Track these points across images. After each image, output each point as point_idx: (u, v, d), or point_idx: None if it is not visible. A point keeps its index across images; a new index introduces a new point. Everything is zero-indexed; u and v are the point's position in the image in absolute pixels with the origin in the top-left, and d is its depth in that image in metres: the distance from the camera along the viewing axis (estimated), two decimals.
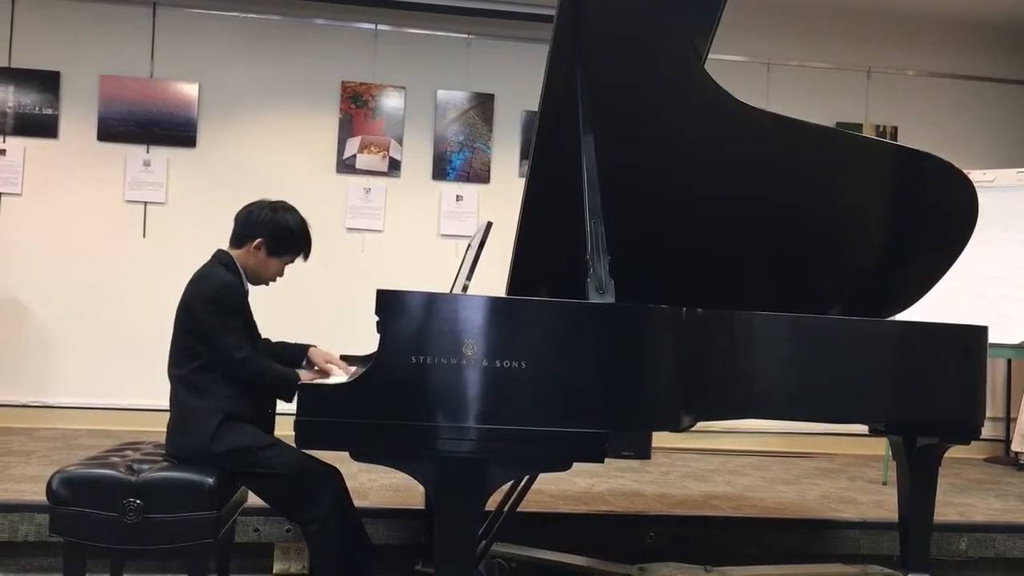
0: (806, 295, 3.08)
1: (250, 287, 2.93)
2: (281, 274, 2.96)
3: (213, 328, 2.72)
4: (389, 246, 5.87)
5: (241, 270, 2.86)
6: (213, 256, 2.88)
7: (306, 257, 2.96)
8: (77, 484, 2.55)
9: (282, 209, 2.90)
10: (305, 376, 2.78)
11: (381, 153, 5.89)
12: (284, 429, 2.58)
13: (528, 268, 3.10)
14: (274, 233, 2.85)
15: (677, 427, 2.42)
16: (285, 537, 3.49)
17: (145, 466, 2.63)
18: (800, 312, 2.76)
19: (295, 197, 3.04)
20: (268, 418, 2.87)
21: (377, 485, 4.06)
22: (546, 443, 2.22)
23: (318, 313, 5.58)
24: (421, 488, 2.45)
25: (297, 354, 2.98)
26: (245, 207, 2.91)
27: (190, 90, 5.72)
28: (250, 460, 2.71)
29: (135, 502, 2.52)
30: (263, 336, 3.00)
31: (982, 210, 3.03)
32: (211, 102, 5.76)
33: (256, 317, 2.94)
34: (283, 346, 3.02)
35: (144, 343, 5.23)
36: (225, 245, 2.91)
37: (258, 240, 2.84)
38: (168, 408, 2.81)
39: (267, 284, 2.96)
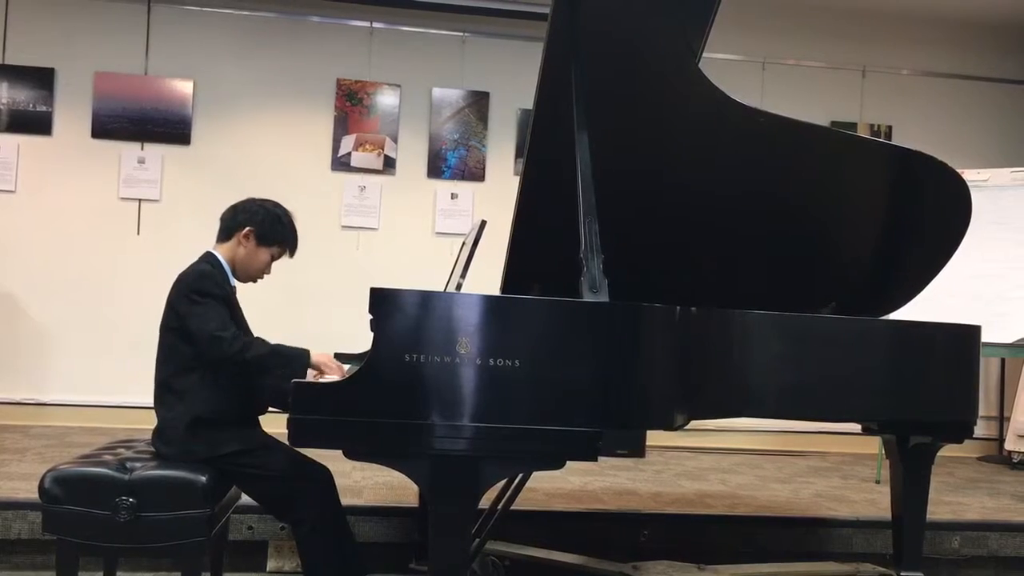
0: (800, 294, 3.08)
1: (238, 285, 2.88)
2: (268, 270, 2.92)
3: (189, 315, 2.66)
4: (384, 244, 5.86)
5: (227, 266, 2.82)
6: (199, 258, 2.84)
7: (292, 253, 2.92)
8: (69, 482, 2.54)
9: (270, 203, 2.90)
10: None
11: (376, 151, 5.88)
12: (277, 427, 2.56)
13: (522, 266, 3.10)
14: (264, 220, 2.84)
15: (671, 425, 2.42)
16: (279, 535, 3.49)
17: (138, 464, 2.62)
18: (794, 311, 2.77)
19: (290, 195, 3.04)
20: (256, 421, 2.83)
21: (371, 483, 4.06)
22: (539, 441, 2.22)
23: (312, 311, 5.58)
24: (415, 486, 2.44)
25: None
26: (230, 206, 2.89)
27: (185, 87, 5.71)
28: (236, 463, 2.69)
29: (128, 500, 2.51)
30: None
31: (976, 209, 3.03)
32: (206, 99, 5.74)
33: (250, 315, 2.89)
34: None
35: (138, 340, 5.17)
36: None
37: (247, 229, 2.82)
38: None
39: (255, 280, 2.92)
